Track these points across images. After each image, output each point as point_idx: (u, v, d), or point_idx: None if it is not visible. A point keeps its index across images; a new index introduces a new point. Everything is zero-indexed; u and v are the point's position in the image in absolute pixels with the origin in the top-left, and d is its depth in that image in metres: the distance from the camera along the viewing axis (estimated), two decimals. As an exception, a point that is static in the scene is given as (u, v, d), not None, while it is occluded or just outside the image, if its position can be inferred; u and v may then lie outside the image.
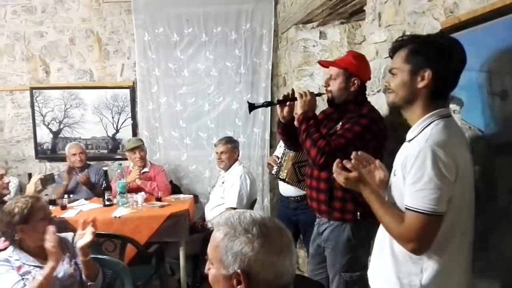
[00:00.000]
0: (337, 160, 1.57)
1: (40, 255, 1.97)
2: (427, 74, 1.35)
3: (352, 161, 1.56)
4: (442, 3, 1.77)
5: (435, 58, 1.34)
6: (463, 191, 1.31)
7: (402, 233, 1.33)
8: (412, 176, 1.29)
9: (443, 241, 1.31)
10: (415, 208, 1.28)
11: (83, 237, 1.99)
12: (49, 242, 1.91)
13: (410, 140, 1.40)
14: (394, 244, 1.41)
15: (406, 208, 1.32)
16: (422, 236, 1.29)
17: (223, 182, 3.57)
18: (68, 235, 2.17)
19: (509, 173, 1.44)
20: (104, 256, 2.24)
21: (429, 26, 1.87)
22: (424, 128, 1.36)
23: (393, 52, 1.46)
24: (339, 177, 1.55)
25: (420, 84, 1.36)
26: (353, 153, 1.59)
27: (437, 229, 1.29)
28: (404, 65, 1.40)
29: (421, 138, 1.33)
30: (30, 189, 2.97)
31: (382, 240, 1.49)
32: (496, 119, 1.51)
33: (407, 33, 2.05)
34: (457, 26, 1.64)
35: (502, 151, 1.47)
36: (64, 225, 2.87)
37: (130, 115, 4.48)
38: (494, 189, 1.39)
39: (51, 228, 1.95)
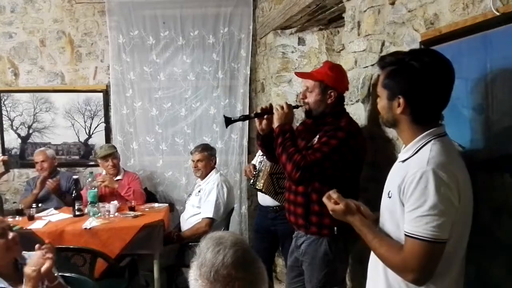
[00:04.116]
0: (327, 194, 1.51)
1: (8, 275, 1.83)
2: (401, 101, 1.30)
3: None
4: (422, 14, 1.74)
5: (406, 84, 1.28)
6: (465, 215, 1.26)
7: (402, 263, 1.25)
8: (413, 202, 1.21)
9: (442, 269, 1.25)
10: (417, 235, 1.20)
11: (44, 264, 1.81)
12: (31, 266, 1.75)
13: (404, 160, 1.33)
14: (388, 272, 1.34)
15: (406, 235, 1.24)
16: (424, 265, 1.21)
17: (199, 191, 3.48)
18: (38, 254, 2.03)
19: (490, 190, 1.42)
20: (72, 274, 2.11)
21: (409, 37, 1.84)
22: (419, 149, 1.29)
23: (380, 70, 1.41)
24: (328, 207, 1.51)
25: (398, 110, 1.31)
26: (326, 194, 1.53)
27: (440, 257, 1.22)
28: (382, 90, 1.36)
29: (418, 159, 1.26)
30: None
31: (376, 268, 1.42)
32: (477, 134, 1.49)
33: (387, 43, 2.03)
34: (437, 39, 1.61)
35: (483, 167, 1.45)
36: (31, 238, 2.73)
37: (103, 119, 4.33)
38: (476, 206, 1.35)
39: (38, 252, 1.79)
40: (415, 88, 1.27)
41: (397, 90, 1.30)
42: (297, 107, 2.24)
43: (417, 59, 1.27)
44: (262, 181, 2.91)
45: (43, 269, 1.78)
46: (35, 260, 1.77)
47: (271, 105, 2.20)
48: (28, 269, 1.75)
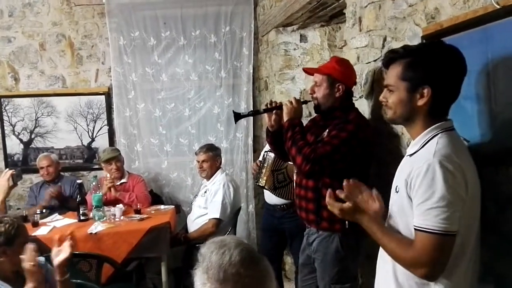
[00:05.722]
0: (329, 191, 1.47)
1: (14, 281, 1.83)
2: (426, 91, 1.27)
3: (344, 190, 1.46)
4: (423, 9, 1.71)
5: (434, 73, 1.26)
6: (473, 209, 1.24)
7: (412, 259, 1.23)
8: (421, 194, 1.19)
9: (451, 265, 1.23)
10: (426, 228, 1.19)
11: (61, 254, 1.86)
12: (28, 261, 1.76)
13: (412, 154, 1.32)
14: (397, 271, 1.32)
15: (416, 229, 1.22)
16: (436, 259, 1.20)
17: (205, 192, 3.46)
18: (40, 260, 2.03)
19: (495, 184, 1.39)
20: (78, 280, 2.10)
21: (411, 32, 1.81)
22: (427, 142, 1.28)
23: (386, 65, 1.37)
24: (333, 209, 1.46)
25: (420, 102, 1.29)
26: (345, 181, 1.49)
27: (451, 250, 1.20)
28: (400, 82, 1.32)
29: (425, 152, 1.25)
30: (3, 186, 2.76)
31: (384, 266, 1.40)
32: (482, 128, 1.47)
33: (388, 38, 2.00)
34: (439, 33, 1.58)
35: (489, 160, 1.42)
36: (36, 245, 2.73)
37: (106, 122, 4.30)
38: (482, 201, 1.34)
39: (30, 246, 1.80)
40: (441, 77, 1.26)
41: (422, 80, 1.27)
42: (306, 102, 2.25)
43: (437, 49, 1.27)
44: (265, 177, 2.90)
45: (62, 258, 1.84)
46: (29, 255, 1.78)
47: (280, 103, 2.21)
48: (26, 265, 1.76)
